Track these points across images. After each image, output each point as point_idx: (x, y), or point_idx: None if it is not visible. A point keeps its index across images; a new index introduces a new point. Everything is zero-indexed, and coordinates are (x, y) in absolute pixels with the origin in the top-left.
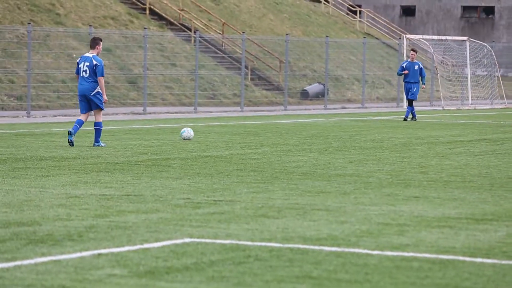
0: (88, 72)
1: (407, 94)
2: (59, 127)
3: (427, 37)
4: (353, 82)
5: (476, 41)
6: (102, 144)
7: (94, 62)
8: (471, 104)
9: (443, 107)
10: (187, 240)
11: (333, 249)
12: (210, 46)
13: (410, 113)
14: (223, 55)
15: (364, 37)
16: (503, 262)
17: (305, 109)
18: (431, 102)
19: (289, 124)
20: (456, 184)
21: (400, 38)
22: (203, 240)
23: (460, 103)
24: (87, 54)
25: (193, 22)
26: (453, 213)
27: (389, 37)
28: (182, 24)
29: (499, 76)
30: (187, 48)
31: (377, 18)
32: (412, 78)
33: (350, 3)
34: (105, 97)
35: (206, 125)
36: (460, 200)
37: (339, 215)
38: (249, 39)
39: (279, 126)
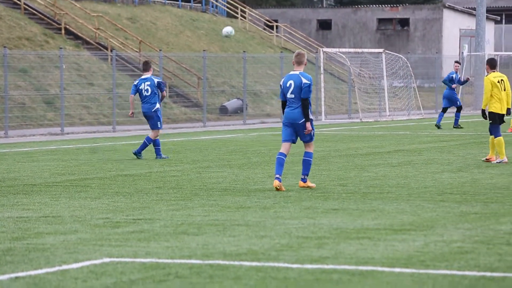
0: (149, 91)
1: (455, 103)
2: None
3: (344, 50)
4: (271, 97)
5: (392, 53)
6: (139, 155)
7: (156, 81)
8: (389, 115)
9: (361, 119)
10: (106, 260)
11: (253, 264)
12: (127, 65)
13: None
14: (141, 73)
15: (281, 52)
16: (421, 271)
17: (224, 125)
18: (349, 114)
19: (209, 141)
20: (374, 195)
21: (317, 52)
22: (122, 259)
23: (377, 115)
24: (145, 76)
25: (110, 41)
26: (371, 224)
27: (306, 51)
28: (98, 43)
29: (415, 87)
30: (104, 67)
31: (294, 33)
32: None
33: (267, 18)
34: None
35: (125, 144)
36: (379, 211)
37: (259, 229)
38: (166, 56)
39: (198, 143)
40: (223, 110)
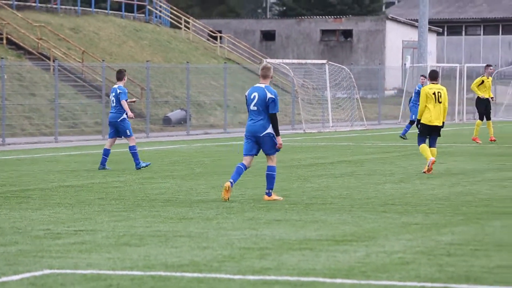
0: (114, 101)
1: (411, 116)
2: None
3: (287, 61)
4: (215, 108)
5: (335, 64)
6: (143, 164)
7: (118, 91)
8: (332, 126)
9: (304, 130)
10: (47, 271)
11: (195, 275)
12: (70, 75)
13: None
14: (84, 83)
15: (225, 62)
16: (362, 282)
17: (168, 136)
18: (293, 125)
19: (152, 151)
20: (317, 206)
21: (260, 63)
22: (63, 271)
23: (321, 126)
24: (115, 85)
25: (52, 51)
26: (314, 235)
27: (249, 61)
28: (40, 53)
29: (358, 98)
30: (46, 77)
31: (237, 43)
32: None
33: (211, 29)
34: (130, 113)
35: (67, 155)
36: (321, 222)
37: (201, 240)
38: (109, 66)
39: (141, 154)
40: (167, 121)
